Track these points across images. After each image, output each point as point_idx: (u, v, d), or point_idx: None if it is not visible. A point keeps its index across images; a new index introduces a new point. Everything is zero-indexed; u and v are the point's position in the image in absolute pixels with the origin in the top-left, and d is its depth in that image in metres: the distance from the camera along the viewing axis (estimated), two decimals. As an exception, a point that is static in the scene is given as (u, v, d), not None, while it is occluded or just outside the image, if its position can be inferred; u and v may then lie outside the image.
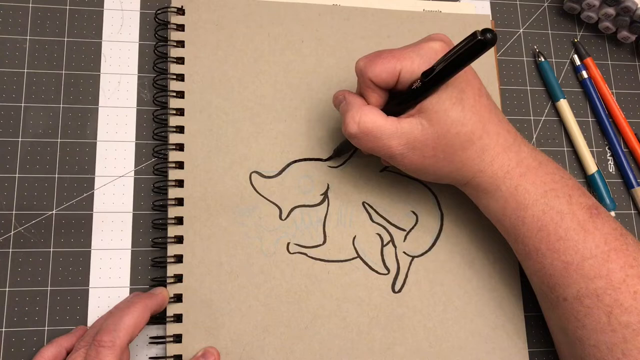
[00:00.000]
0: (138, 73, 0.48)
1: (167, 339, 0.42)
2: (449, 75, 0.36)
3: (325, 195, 0.46)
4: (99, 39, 0.48)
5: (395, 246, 0.46)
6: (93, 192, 0.45)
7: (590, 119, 0.54)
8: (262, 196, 0.45)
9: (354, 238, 0.46)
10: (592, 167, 0.51)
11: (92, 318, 0.43)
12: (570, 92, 0.54)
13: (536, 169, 0.40)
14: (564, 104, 0.53)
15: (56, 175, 0.45)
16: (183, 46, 0.47)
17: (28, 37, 0.47)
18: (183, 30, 0.48)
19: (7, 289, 0.43)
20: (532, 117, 0.53)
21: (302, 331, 0.43)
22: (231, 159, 0.46)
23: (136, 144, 0.46)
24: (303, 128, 0.47)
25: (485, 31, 0.33)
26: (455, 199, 0.47)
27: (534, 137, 0.52)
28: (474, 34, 0.33)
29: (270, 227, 0.45)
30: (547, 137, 0.52)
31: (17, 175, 0.44)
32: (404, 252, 0.46)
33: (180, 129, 0.45)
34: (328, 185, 0.46)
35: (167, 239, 0.43)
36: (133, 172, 0.46)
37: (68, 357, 0.38)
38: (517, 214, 0.39)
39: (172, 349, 0.42)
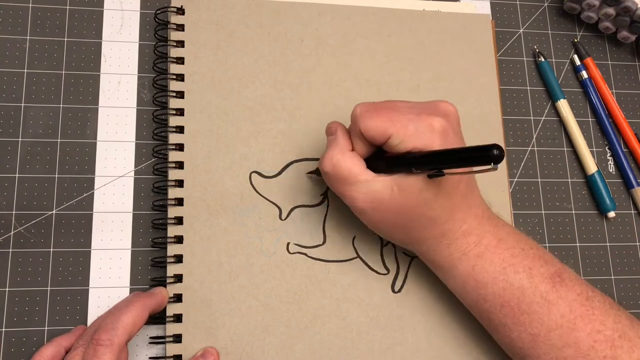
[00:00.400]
0: (138, 73, 0.48)
1: (167, 339, 0.42)
2: (438, 172, 0.35)
3: (325, 195, 0.46)
4: (99, 39, 0.48)
5: (394, 246, 0.46)
6: (93, 192, 0.45)
7: (590, 119, 0.54)
8: (262, 196, 0.45)
9: (354, 238, 0.46)
10: (592, 167, 0.51)
11: (91, 318, 0.43)
12: (570, 92, 0.54)
13: (495, 247, 0.39)
14: (564, 104, 0.53)
15: (56, 175, 0.45)
16: (183, 46, 0.47)
17: (28, 37, 0.47)
18: (183, 30, 0.48)
19: (7, 289, 0.43)
20: (532, 117, 0.53)
21: (302, 331, 0.43)
22: (231, 159, 0.46)
23: (136, 144, 0.46)
24: (303, 128, 0.47)
25: (494, 146, 0.30)
26: (455, 199, 0.47)
27: (534, 137, 0.52)
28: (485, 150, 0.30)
29: (270, 227, 0.45)
30: (547, 137, 0.52)
31: (17, 175, 0.44)
32: (404, 252, 0.46)
33: (180, 129, 0.45)
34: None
35: (167, 239, 0.43)
36: (133, 172, 0.46)
37: (67, 356, 0.38)
38: (477, 292, 0.39)
39: (172, 349, 0.42)
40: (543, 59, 0.54)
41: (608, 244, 0.51)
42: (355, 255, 0.46)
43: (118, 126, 0.46)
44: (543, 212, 0.51)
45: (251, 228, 0.45)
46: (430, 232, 0.39)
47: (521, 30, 0.55)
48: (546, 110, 0.53)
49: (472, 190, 0.40)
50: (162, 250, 0.44)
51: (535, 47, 0.54)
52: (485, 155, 0.30)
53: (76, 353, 0.37)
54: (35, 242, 0.44)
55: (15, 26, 0.47)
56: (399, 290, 0.45)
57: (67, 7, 0.48)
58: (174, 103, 0.46)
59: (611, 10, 0.53)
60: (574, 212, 0.51)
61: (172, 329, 0.42)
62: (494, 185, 0.48)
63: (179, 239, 0.44)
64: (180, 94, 0.46)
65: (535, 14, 0.56)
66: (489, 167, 0.30)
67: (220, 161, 0.45)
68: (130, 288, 0.44)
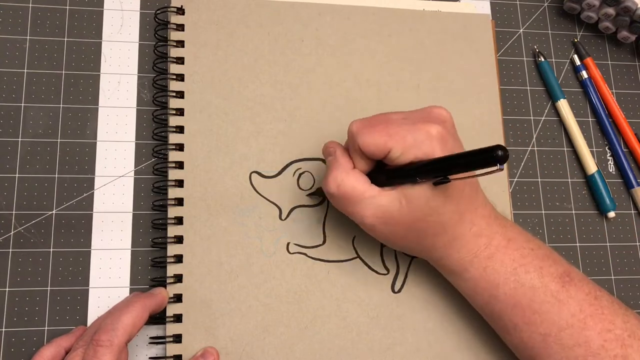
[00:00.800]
0: (138, 73, 0.48)
1: (167, 339, 0.42)
2: (444, 179, 0.35)
3: (325, 195, 0.46)
4: (98, 39, 0.48)
5: (395, 246, 0.46)
6: (93, 192, 0.45)
7: (590, 119, 0.54)
8: (262, 196, 0.45)
9: (354, 238, 0.46)
10: (592, 167, 0.51)
11: (92, 318, 0.43)
12: (570, 92, 0.54)
13: (505, 247, 0.39)
14: (564, 104, 0.53)
15: (56, 175, 0.45)
16: (183, 46, 0.47)
17: (28, 37, 0.47)
18: (183, 30, 0.48)
19: (7, 289, 0.43)
20: (532, 117, 0.53)
21: (302, 331, 0.43)
22: (231, 159, 0.46)
23: (136, 144, 0.46)
24: (303, 128, 0.47)
25: (498, 147, 0.30)
26: (455, 199, 0.47)
27: (534, 137, 0.52)
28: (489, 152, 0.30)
29: (270, 227, 0.45)
30: (547, 137, 0.52)
31: (17, 175, 0.44)
32: (404, 252, 0.46)
33: (180, 129, 0.45)
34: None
35: (167, 239, 0.43)
36: (133, 172, 0.46)
37: (67, 357, 0.38)
38: (489, 292, 0.40)
39: (172, 349, 0.42)
40: (543, 59, 0.54)
41: (608, 244, 0.51)
42: (355, 256, 0.46)
43: (118, 126, 0.46)
44: (543, 212, 0.51)
45: (251, 228, 0.45)
46: (442, 239, 0.39)
47: (521, 30, 0.55)
48: (546, 110, 0.53)
49: (476, 191, 0.40)
50: (162, 250, 0.44)
51: (535, 47, 0.54)
52: (490, 157, 0.30)
53: (76, 354, 0.37)
54: (35, 242, 0.44)
55: (15, 26, 0.47)
56: (399, 291, 0.45)
57: (67, 7, 0.48)
58: (174, 103, 0.46)
59: (611, 10, 0.53)
60: (574, 212, 0.51)
61: (172, 329, 0.42)
62: (494, 185, 0.48)
63: (179, 239, 0.44)
64: (180, 94, 0.46)
65: (535, 14, 0.56)
66: (494, 168, 0.30)
67: (220, 161, 0.45)
68: (130, 288, 0.44)
